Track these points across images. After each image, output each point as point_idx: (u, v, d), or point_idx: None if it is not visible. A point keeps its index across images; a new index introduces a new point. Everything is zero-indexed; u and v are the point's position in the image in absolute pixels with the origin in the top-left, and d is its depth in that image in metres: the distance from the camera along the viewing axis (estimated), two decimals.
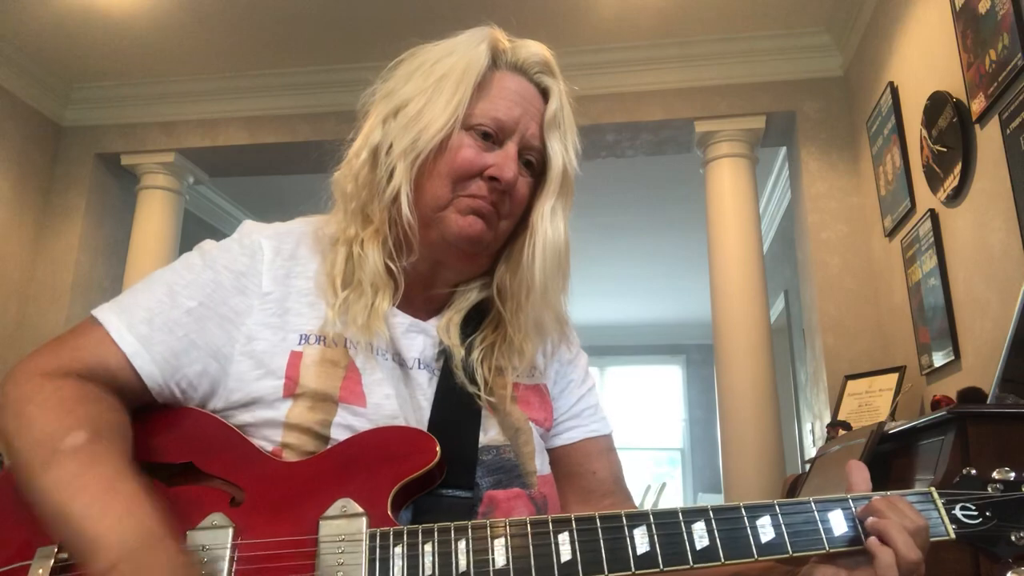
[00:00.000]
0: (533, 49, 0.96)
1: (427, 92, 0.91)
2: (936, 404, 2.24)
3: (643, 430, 8.69)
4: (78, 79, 4.41)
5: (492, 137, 0.91)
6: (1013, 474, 0.78)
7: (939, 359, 2.77)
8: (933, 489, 0.79)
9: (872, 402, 3.01)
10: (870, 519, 0.76)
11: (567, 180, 0.95)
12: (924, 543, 0.75)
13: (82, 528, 0.70)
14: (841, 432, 2.76)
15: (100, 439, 0.76)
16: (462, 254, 0.93)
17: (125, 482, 0.73)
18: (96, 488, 0.72)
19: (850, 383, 3.18)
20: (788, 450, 4.54)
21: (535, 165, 0.95)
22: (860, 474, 0.82)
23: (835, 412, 3.15)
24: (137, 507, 0.71)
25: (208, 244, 0.93)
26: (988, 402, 1.93)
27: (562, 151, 0.94)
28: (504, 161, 0.90)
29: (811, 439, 4.13)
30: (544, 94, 0.96)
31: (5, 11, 3.75)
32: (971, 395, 1.96)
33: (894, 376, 3.00)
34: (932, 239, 2.81)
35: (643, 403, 8.93)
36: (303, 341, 0.87)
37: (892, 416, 2.81)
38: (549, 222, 0.93)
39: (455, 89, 0.90)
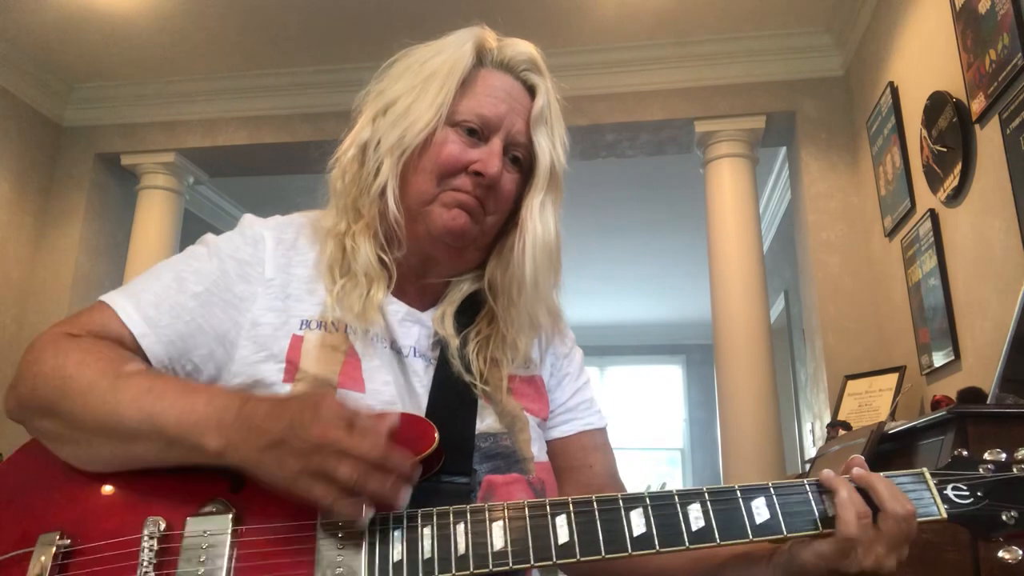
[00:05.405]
0: (520, 47, 0.97)
1: (415, 90, 0.93)
2: (936, 404, 2.24)
3: (643, 430, 8.68)
4: (78, 79, 4.40)
5: (478, 133, 0.92)
6: (1004, 455, 0.79)
7: (939, 359, 2.77)
8: (925, 470, 0.80)
9: (872, 402, 3.01)
10: (856, 471, 0.79)
11: (555, 176, 0.96)
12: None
13: (179, 424, 0.75)
14: (841, 432, 2.76)
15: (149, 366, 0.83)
16: (449, 248, 0.94)
17: (194, 381, 0.83)
18: (174, 390, 0.78)
19: (850, 383, 3.18)
20: (788, 450, 4.53)
21: (523, 161, 0.95)
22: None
23: (835, 412, 3.15)
24: (216, 393, 0.78)
25: (210, 236, 0.96)
26: (988, 402, 1.93)
27: (549, 147, 0.95)
28: (488, 156, 0.91)
29: (811, 439, 4.13)
30: (531, 91, 0.96)
31: (5, 11, 3.75)
32: (971, 395, 1.96)
33: (894, 376, 3.00)
34: (932, 239, 2.81)
35: (643, 403, 8.92)
36: (304, 326, 0.89)
37: (892, 416, 2.80)
38: (539, 218, 0.94)
39: (440, 87, 0.92)
